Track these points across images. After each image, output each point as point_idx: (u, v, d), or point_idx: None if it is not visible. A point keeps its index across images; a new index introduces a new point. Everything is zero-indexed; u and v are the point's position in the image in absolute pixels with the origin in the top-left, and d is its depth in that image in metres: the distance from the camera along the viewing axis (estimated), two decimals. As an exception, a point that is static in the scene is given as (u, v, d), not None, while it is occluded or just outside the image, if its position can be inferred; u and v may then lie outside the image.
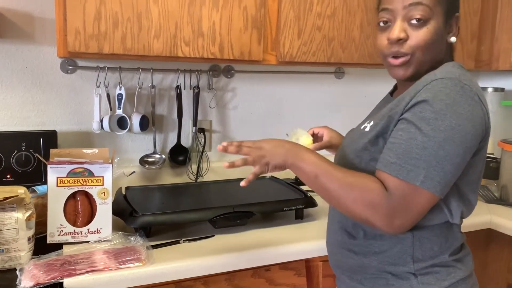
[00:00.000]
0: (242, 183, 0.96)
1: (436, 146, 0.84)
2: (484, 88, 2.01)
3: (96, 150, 1.30)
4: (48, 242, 1.19)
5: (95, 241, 1.21)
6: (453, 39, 0.98)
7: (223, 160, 1.83)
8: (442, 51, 0.97)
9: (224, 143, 0.95)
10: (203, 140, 1.76)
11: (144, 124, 1.60)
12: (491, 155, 1.82)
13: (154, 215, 1.25)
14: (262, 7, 1.46)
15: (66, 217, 1.20)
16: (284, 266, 1.27)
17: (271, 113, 1.91)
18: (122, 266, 1.08)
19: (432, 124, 0.84)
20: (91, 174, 1.21)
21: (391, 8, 0.95)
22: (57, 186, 1.19)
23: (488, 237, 1.61)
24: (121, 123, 1.57)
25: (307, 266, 1.31)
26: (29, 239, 1.11)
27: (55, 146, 1.47)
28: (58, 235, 1.19)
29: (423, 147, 0.84)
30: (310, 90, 1.96)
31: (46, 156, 1.33)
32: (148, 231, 1.27)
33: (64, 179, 1.20)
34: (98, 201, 1.22)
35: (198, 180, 1.74)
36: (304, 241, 1.29)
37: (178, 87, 1.66)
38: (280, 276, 1.27)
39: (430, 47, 0.94)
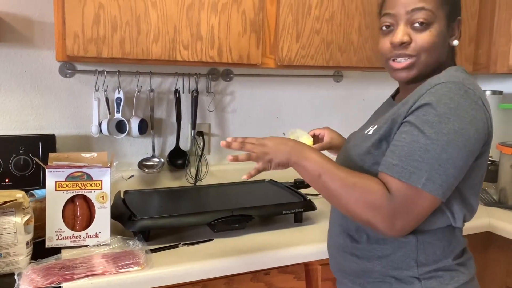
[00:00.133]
0: (244, 177, 0.96)
1: (439, 149, 0.84)
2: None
3: (95, 154, 1.30)
4: (46, 246, 1.18)
5: (94, 245, 1.20)
6: (455, 42, 0.99)
7: (222, 164, 1.83)
8: (445, 54, 0.98)
9: (228, 139, 0.96)
10: (202, 144, 1.76)
11: (143, 128, 1.60)
12: (490, 158, 1.82)
13: (152, 219, 1.25)
14: (261, 11, 1.46)
15: (64, 221, 1.19)
16: (283, 269, 1.27)
17: (270, 117, 1.91)
18: (120, 270, 1.07)
19: (436, 127, 0.85)
20: (89, 178, 1.21)
21: (394, 13, 0.95)
22: (55, 190, 1.19)
23: (487, 240, 1.61)
24: (120, 126, 1.57)
25: (306, 269, 1.31)
26: (27, 243, 1.11)
27: (53, 150, 1.46)
28: (57, 239, 1.19)
29: (426, 149, 0.84)
30: (309, 94, 1.97)
31: (45, 160, 1.32)
32: (146, 235, 1.27)
33: (62, 183, 1.20)
34: (96, 205, 1.22)
35: (197, 184, 1.74)
36: (303, 244, 1.29)
37: (176, 90, 1.66)
38: (279, 280, 1.27)
39: (434, 49, 0.94)
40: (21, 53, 1.49)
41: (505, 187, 1.72)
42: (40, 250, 1.16)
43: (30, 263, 1.10)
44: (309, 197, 1.46)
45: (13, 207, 1.08)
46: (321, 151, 1.14)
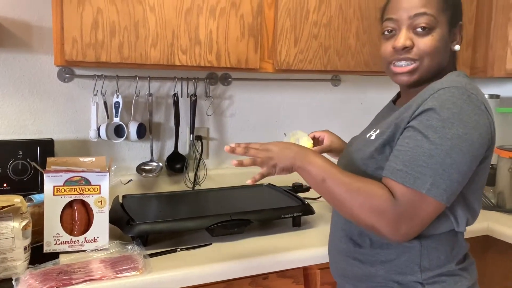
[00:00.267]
0: (248, 181, 0.96)
1: (443, 154, 0.84)
2: (480, 95, 2.02)
3: (93, 159, 1.30)
4: (44, 251, 1.18)
5: (92, 250, 1.20)
6: (457, 47, 0.99)
7: (221, 168, 1.83)
8: (446, 59, 0.98)
9: (232, 144, 0.96)
10: (200, 148, 1.76)
11: (141, 132, 1.60)
12: (488, 162, 1.83)
13: (151, 224, 1.25)
14: (259, 16, 1.47)
15: (62, 226, 1.19)
16: (282, 274, 1.27)
17: (268, 121, 1.91)
18: (119, 275, 1.07)
19: (439, 132, 0.85)
20: (88, 182, 1.21)
21: (396, 17, 0.96)
22: (53, 194, 1.19)
23: (485, 243, 1.61)
24: (118, 131, 1.57)
25: (305, 274, 1.31)
26: (25, 248, 1.10)
27: (52, 154, 1.46)
28: (55, 244, 1.19)
29: (430, 155, 0.84)
30: (307, 98, 1.97)
31: (43, 164, 1.32)
32: (145, 240, 1.26)
33: (60, 187, 1.19)
34: (95, 209, 1.21)
35: (196, 188, 1.74)
36: (302, 248, 1.29)
37: (175, 95, 1.66)
38: (278, 284, 1.26)
39: (436, 54, 0.95)
40: (20, 57, 1.49)
41: (503, 191, 1.73)
42: (38, 255, 1.16)
43: (28, 268, 1.10)
44: (307, 201, 1.46)
45: (11, 212, 1.08)
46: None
